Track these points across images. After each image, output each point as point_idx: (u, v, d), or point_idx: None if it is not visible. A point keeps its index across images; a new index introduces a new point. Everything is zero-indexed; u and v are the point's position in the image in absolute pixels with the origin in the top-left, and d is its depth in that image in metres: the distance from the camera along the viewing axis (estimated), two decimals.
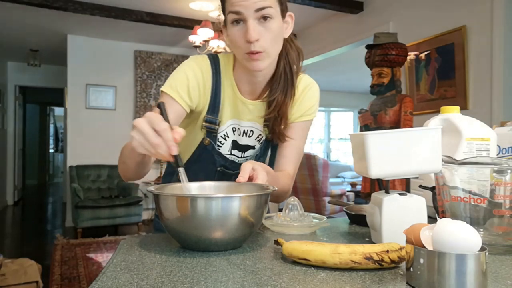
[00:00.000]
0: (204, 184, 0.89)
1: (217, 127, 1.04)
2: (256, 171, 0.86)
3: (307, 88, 1.08)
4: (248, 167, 0.86)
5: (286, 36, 0.98)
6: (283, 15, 0.94)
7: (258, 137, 1.09)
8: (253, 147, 1.10)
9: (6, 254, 3.46)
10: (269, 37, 0.90)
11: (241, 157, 1.09)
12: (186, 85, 0.97)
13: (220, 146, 1.06)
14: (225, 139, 1.06)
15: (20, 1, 3.88)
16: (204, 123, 1.03)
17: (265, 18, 0.88)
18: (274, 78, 1.03)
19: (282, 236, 0.83)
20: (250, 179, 0.86)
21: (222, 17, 0.98)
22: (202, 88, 1.00)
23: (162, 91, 0.98)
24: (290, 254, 0.64)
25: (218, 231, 0.68)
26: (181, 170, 0.76)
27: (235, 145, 1.08)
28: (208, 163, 1.06)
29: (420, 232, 0.54)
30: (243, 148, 1.09)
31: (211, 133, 1.04)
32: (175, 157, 0.71)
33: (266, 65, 0.94)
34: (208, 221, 0.67)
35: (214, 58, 1.03)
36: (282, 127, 1.05)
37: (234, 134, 1.07)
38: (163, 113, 0.74)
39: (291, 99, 1.04)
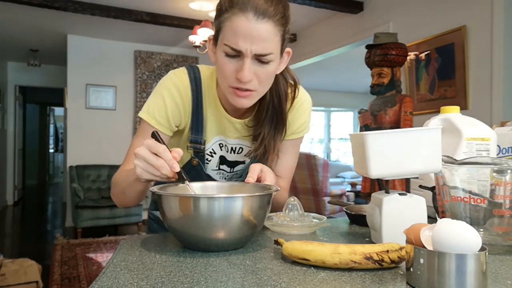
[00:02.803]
0: (207, 184, 0.89)
1: (203, 146, 0.99)
2: (264, 172, 0.86)
3: (298, 103, 1.00)
4: (257, 168, 0.86)
5: (278, 72, 0.90)
6: (282, 53, 0.86)
7: (247, 153, 1.03)
8: (242, 163, 1.05)
9: (6, 254, 3.46)
10: (262, 78, 0.84)
11: (230, 172, 1.05)
12: (164, 110, 0.93)
13: (208, 163, 1.02)
14: (212, 156, 1.01)
15: (20, 1, 3.88)
16: (189, 144, 0.98)
17: (262, 60, 0.81)
18: (259, 110, 0.97)
19: (282, 236, 0.83)
20: (258, 180, 0.85)
21: (210, 32, 0.93)
22: (181, 108, 0.95)
23: (142, 119, 0.94)
24: (290, 254, 0.64)
25: (221, 231, 0.68)
26: (187, 183, 0.77)
27: (223, 160, 1.03)
28: (197, 180, 1.01)
29: (420, 232, 0.54)
30: (232, 164, 1.04)
31: (198, 153, 0.99)
32: (178, 173, 0.74)
33: (252, 103, 0.89)
34: (211, 221, 0.67)
35: (194, 72, 0.96)
36: (269, 162, 1.00)
37: (221, 150, 1.02)
38: (158, 140, 0.77)
39: (281, 135, 0.98)
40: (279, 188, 0.80)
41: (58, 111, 11.37)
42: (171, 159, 0.72)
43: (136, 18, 4.44)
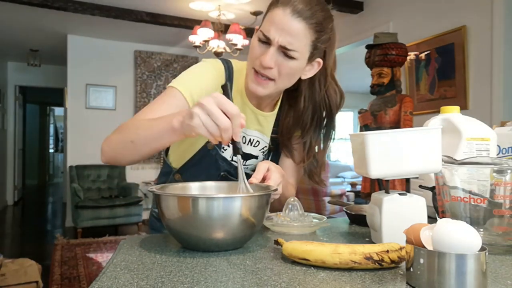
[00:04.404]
0: (206, 184, 0.89)
1: None
2: (270, 171, 0.86)
3: None
4: (263, 167, 0.86)
5: (304, 77, 0.95)
6: (312, 59, 0.91)
7: (263, 148, 1.07)
8: (255, 157, 1.07)
9: (6, 254, 3.46)
10: (282, 71, 0.89)
11: (242, 165, 1.07)
12: (200, 87, 0.92)
13: (223, 152, 1.03)
14: (228, 146, 1.03)
15: (20, 1, 3.88)
16: None
17: (287, 54, 0.86)
18: (303, 120, 1.00)
19: (282, 236, 0.83)
20: (263, 179, 0.86)
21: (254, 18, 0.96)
22: (213, 92, 0.97)
23: (171, 87, 0.92)
24: (290, 254, 0.64)
25: (220, 232, 0.68)
26: (239, 158, 0.75)
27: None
28: (210, 168, 1.03)
29: (420, 232, 0.54)
30: (246, 157, 1.06)
31: None
32: (236, 143, 0.70)
33: (267, 93, 0.93)
34: (210, 221, 0.67)
35: (227, 63, 1.01)
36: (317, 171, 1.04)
37: None
38: (229, 94, 0.71)
39: (329, 144, 1.03)
40: (277, 188, 0.81)
41: (58, 111, 11.37)
42: (238, 126, 0.69)
43: (136, 18, 4.44)
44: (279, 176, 0.87)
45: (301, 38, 0.85)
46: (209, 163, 1.02)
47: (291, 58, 0.87)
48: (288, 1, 0.84)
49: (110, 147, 0.87)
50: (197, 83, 0.93)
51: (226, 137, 0.68)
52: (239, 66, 1.02)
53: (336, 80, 1.01)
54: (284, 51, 0.86)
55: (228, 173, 1.05)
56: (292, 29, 0.84)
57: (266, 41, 0.87)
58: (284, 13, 0.84)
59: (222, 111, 0.67)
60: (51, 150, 11.93)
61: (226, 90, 0.72)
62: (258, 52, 0.88)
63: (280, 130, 1.05)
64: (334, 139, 1.05)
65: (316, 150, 1.03)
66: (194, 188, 0.87)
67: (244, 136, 1.04)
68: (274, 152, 1.09)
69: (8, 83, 7.17)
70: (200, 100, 0.68)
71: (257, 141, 1.05)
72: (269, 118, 1.04)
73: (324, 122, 1.02)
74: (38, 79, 7.28)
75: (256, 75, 0.90)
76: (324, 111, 1.01)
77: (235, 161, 1.05)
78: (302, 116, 1.00)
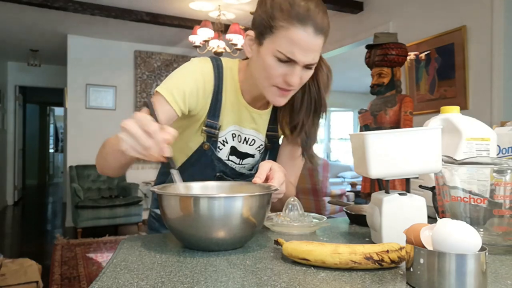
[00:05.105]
0: (207, 184, 0.89)
1: (218, 132, 1.00)
2: (273, 171, 0.86)
3: None
4: (266, 167, 0.86)
5: None
6: None
7: (259, 147, 1.07)
8: (252, 156, 1.07)
9: (6, 254, 3.46)
10: (303, 80, 0.90)
11: (239, 164, 1.06)
12: (183, 89, 0.92)
13: (219, 152, 1.03)
14: (224, 145, 1.03)
15: (20, 1, 3.88)
16: (204, 128, 0.99)
17: (309, 67, 0.88)
18: (295, 104, 1.00)
19: (282, 236, 0.83)
20: (266, 179, 0.86)
21: (242, 22, 0.95)
22: (201, 93, 0.95)
23: (157, 92, 0.92)
24: (290, 254, 0.64)
25: (221, 231, 0.69)
26: (174, 172, 0.76)
27: (234, 151, 1.05)
28: (207, 168, 1.03)
29: (420, 232, 0.54)
30: (242, 156, 1.06)
31: (211, 137, 1.00)
32: (167, 158, 0.69)
33: (286, 101, 0.94)
34: (211, 221, 0.67)
35: (217, 61, 0.99)
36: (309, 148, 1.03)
37: (233, 140, 1.04)
38: (152, 112, 0.70)
39: (320, 119, 1.03)
40: (278, 188, 0.81)
41: (58, 111, 11.37)
42: (162, 142, 0.66)
43: (136, 18, 4.44)
44: (282, 175, 0.87)
45: (321, 49, 0.87)
46: (205, 163, 1.03)
47: (311, 68, 0.89)
48: (306, 17, 0.81)
49: (97, 162, 0.93)
50: (180, 87, 0.92)
51: (154, 153, 0.67)
52: (230, 64, 1.01)
53: (321, 56, 0.99)
54: (307, 66, 0.87)
55: (223, 173, 1.05)
56: (316, 47, 0.84)
57: (288, 61, 0.85)
58: (307, 33, 0.81)
59: (146, 130, 0.66)
60: (51, 150, 11.94)
61: (149, 107, 0.71)
62: (280, 71, 0.86)
63: (281, 124, 1.05)
64: (325, 117, 1.04)
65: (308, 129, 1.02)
66: (196, 187, 0.87)
67: (239, 135, 1.04)
68: (271, 151, 1.09)
69: (8, 83, 7.17)
70: (123, 124, 0.66)
71: (253, 139, 1.05)
72: (264, 116, 1.04)
73: (314, 100, 1.01)
74: (38, 79, 7.27)
75: (279, 90, 0.90)
76: (314, 88, 0.99)
77: (231, 161, 1.05)
78: (294, 101, 1.00)
